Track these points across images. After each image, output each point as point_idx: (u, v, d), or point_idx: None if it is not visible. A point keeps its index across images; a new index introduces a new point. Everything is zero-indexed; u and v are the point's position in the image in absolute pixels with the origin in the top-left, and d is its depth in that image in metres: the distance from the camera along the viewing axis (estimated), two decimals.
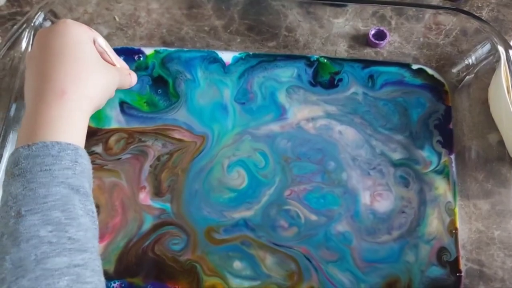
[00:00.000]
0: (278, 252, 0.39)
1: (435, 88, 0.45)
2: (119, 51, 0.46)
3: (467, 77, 0.44)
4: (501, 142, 0.41)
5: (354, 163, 0.42)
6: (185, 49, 0.47)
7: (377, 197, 0.41)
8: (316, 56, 0.47)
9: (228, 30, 0.47)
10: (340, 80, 0.46)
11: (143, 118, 0.44)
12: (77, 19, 0.37)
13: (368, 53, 0.47)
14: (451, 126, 0.44)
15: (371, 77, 0.46)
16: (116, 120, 0.43)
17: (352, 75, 0.46)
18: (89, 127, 0.31)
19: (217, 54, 0.47)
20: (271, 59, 0.47)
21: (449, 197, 0.41)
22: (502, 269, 0.38)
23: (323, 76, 0.46)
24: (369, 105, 0.45)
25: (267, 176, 0.41)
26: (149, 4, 0.46)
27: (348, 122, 0.44)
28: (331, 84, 0.45)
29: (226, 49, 0.47)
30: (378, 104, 0.45)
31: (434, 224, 0.40)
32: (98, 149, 0.42)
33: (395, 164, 0.42)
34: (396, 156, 0.42)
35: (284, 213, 0.40)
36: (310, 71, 0.46)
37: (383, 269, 0.38)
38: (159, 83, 0.45)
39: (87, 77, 0.31)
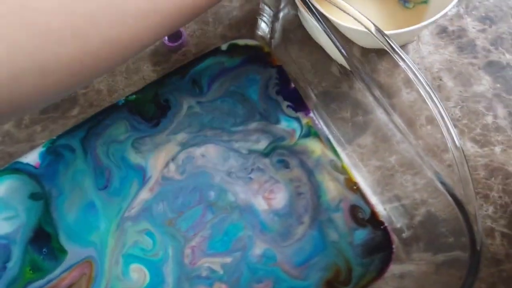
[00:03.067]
0: None
1: (256, 55, 0.41)
2: None
3: (276, 34, 0.40)
4: (343, 69, 0.39)
5: (231, 177, 0.38)
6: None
7: (270, 195, 0.38)
8: (122, 100, 0.40)
9: (23, 126, 0.40)
10: (166, 100, 0.40)
11: None
12: None
13: (177, 59, 0.42)
14: (292, 85, 0.40)
15: (194, 82, 0.41)
16: None
17: (176, 91, 0.40)
18: None
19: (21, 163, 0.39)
20: (95, 121, 0.40)
21: (330, 155, 0.38)
22: (417, 190, 0.35)
23: (149, 111, 0.40)
24: (210, 111, 0.40)
25: (158, 254, 0.37)
26: None
27: (203, 141, 0.39)
28: (163, 110, 0.40)
29: (31, 147, 0.39)
30: (217, 105, 0.40)
31: (331, 187, 0.37)
32: None
33: (266, 154, 0.38)
34: (262, 145, 0.39)
35: (197, 280, 0.36)
36: (137, 117, 0.40)
37: (317, 262, 0.35)
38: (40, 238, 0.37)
39: None
